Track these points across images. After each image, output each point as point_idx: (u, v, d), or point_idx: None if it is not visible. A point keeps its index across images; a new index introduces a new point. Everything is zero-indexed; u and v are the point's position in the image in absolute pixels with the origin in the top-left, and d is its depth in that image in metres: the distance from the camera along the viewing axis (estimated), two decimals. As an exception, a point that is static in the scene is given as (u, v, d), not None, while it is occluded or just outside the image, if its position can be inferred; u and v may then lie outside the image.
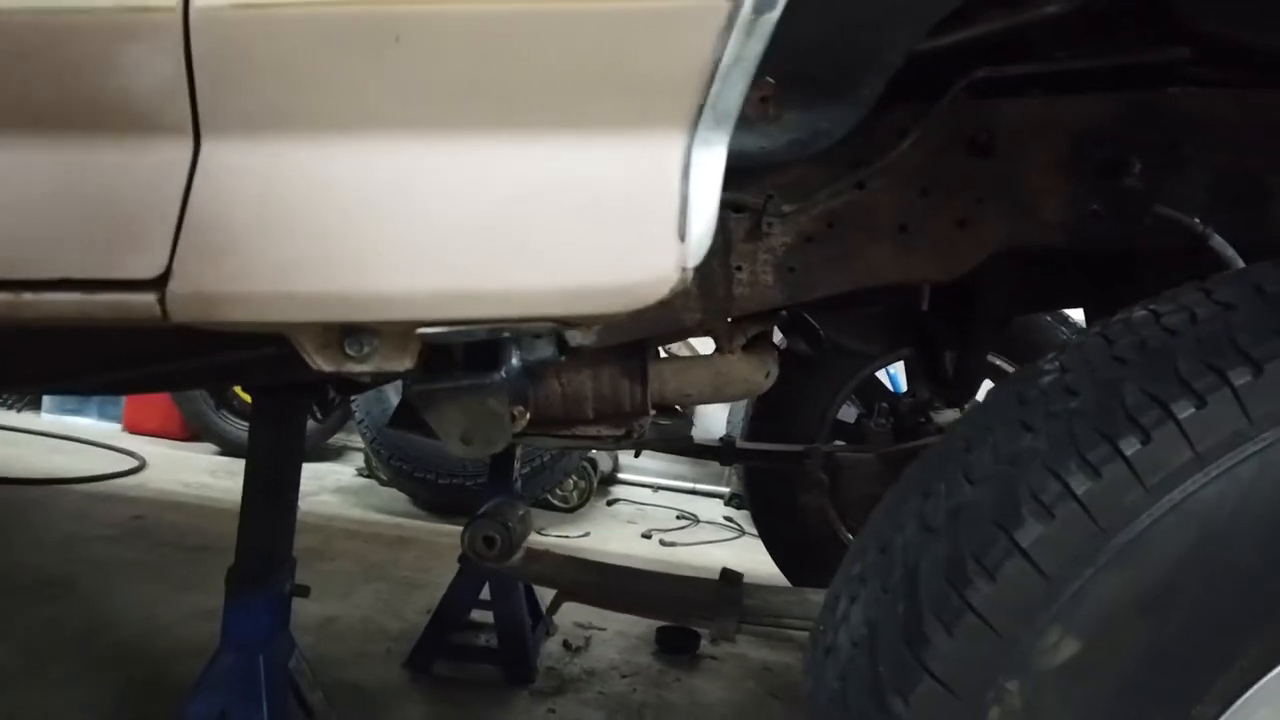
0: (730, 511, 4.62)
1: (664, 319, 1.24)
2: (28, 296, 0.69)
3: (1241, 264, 1.00)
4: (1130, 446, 0.64)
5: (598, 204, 0.68)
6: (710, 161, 0.68)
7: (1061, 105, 1.16)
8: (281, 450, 1.56)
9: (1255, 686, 0.64)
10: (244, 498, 1.56)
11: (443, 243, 0.68)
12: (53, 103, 0.68)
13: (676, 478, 5.03)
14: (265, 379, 1.39)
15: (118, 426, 5.05)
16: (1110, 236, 1.17)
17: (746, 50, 0.65)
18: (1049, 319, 2.24)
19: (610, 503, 4.74)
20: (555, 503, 4.22)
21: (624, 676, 2.43)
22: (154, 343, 1.03)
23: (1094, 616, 0.63)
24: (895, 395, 2.83)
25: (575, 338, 1.18)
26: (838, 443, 2.62)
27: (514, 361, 1.24)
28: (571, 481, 4.21)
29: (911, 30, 0.95)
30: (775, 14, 0.64)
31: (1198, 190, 1.15)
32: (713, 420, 4.72)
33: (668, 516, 4.54)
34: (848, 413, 3.00)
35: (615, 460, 4.92)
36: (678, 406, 1.54)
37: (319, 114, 0.68)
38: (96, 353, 0.96)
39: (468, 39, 0.65)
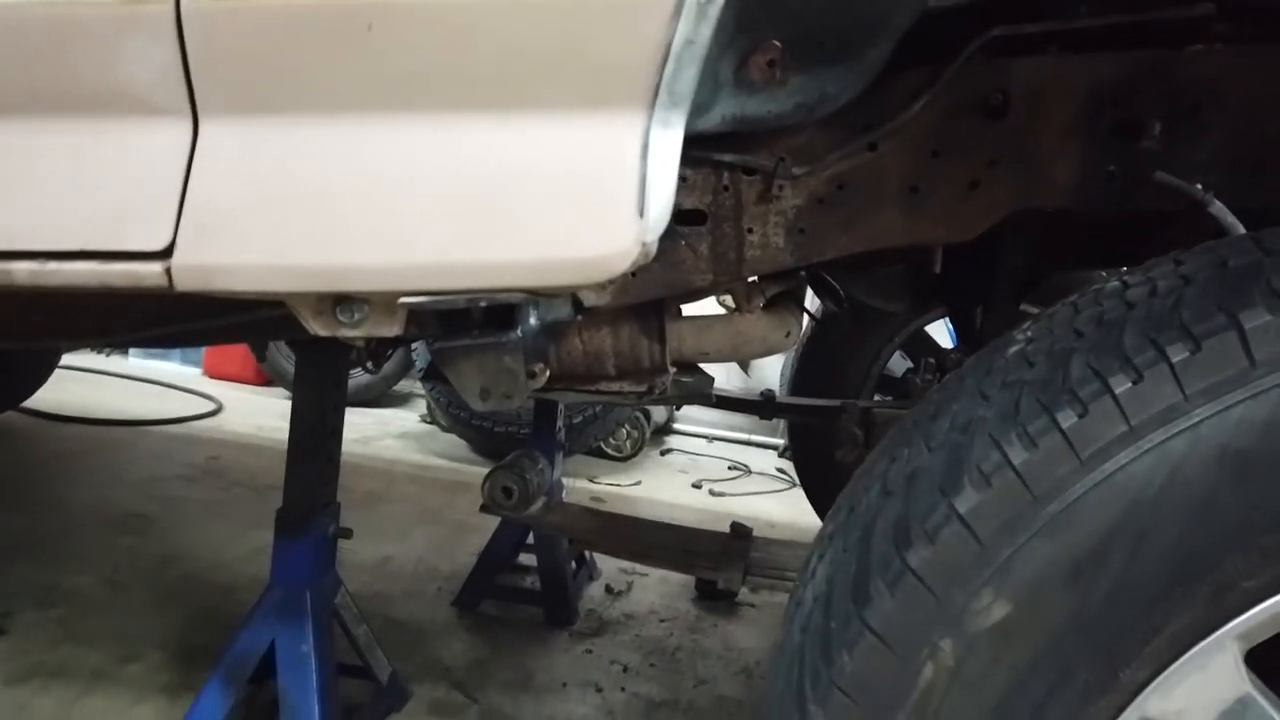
0: (783, 463, 4.65)
1: (676, 280, 1.27)
2: (51, 265, 0.76)
3: (1241, 230, 0.98)
4: (1067, 419, 0.66)
5: (562, 182, 0.71)
6: (668, 141, 0.71)
7: (1078, 64, 1.13)
8: (324, 400, 1.65)
9: (1186, 655, 0.66)
10: (289, 445, 1.66)
11: (421, 219, 0.73)
12: (65, 88, 0.74)
13: (731, 428, 5.07)
14: (283, 337, 1.46)
15: (198, 371, 5.30)
16: (1125, 199, 1.15)
17: (697, 33, 0.67)
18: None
19: (664, 452, 4.82)
20: (609, 451, 4.31)
21: (662, 621, 2.51)
22: (182, 305, 1.11)
23: (1025, 581, 0.66)
24: (942, 350, 2.81)
25: (589, 298, 1.22)
26: (877, 398, 2.62)
27: (531, 321, 1.29)
28: (624, 431, 4.29)
29: (920, -11, 0.94)
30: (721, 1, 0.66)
31: (1217, 153, 1.13)
32: (770, 372, 4.74)
33: (720, 467, 4.60)
34: (901, 366, 2.99)
35: (670, 411, 4.98)
36: (698, 363, 1.58)
37: (304, 98, 0.72)
38: (128, 314, 1.04)
39: (436, 26, 0.69)
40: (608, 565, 2.78)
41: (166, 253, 0.75)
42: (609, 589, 2.69)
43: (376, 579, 2.59)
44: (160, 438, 3.89)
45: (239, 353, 5.00)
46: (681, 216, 1.20)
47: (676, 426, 5.13)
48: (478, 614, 2.41)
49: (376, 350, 4.12)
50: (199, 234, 0.75)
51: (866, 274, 1.64)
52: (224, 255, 0.75)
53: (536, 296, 0.78)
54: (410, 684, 1.95)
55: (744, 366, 4.83)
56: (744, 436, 5.08)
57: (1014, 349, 0.79)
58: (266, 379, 5.02)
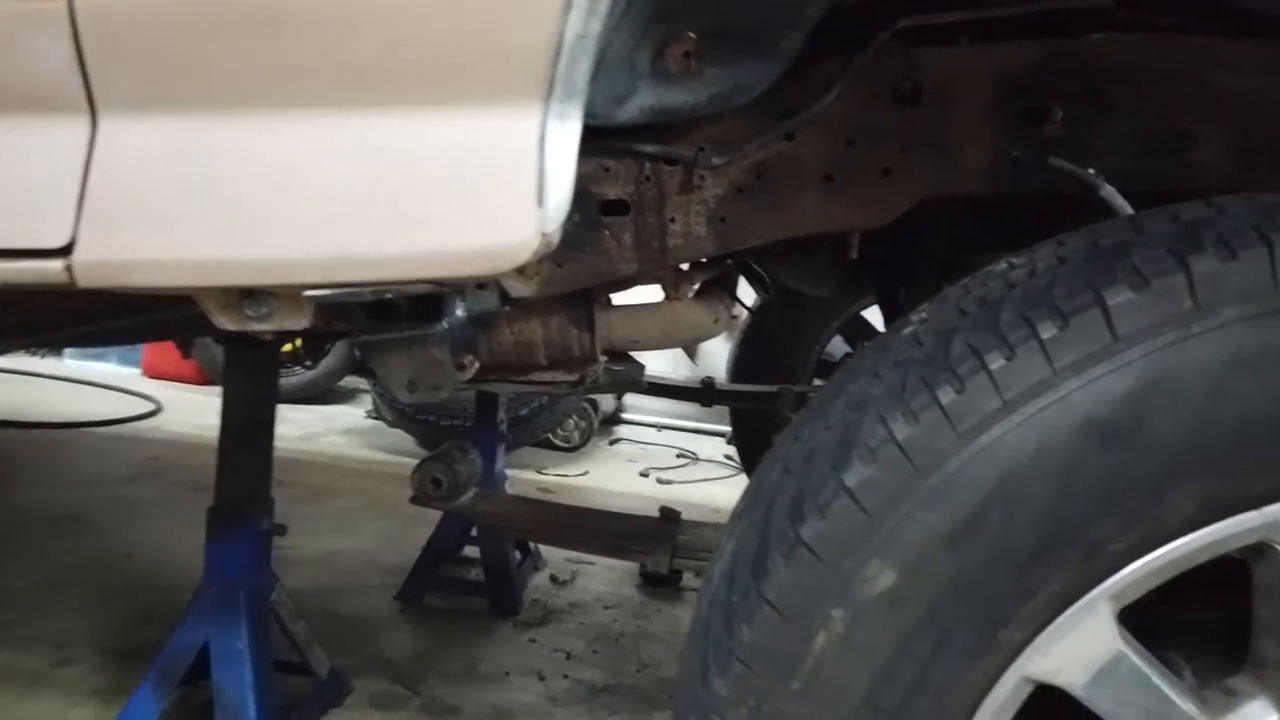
0: (731, 450, 4.69)
1: (602, 269, 1.28)
2: (-51, 265, 0.76)
3: (1130, 212, 1.02)
4: (946, 395, 0.69)
5: (461, 174, 0.73)
6: (565, 132, 0.73)
7: (985, 53, 1.17)
8: (254, 393, 1.65)
9: (1061, 616, 0.70)
10: (220, 441, 1.66)
11: (323, 212, 0.74)
12: (-41, 86, 0.74)
13: (680, 417, 5.11)
14: (207, 334, 1.46)
15: (137, 371, 5.21)
16: (1033, 183, 1.20)
17: (588, 27, 0.69)
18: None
19: (613, 442, 4.84)
20: (557, 442, 4.33)
21: (607, 608, 2.53)
22: (98, 304, 1.10)
23: (909, 550, 0.69)
24: (878, 333, 2.86)
25: (515, 289, 1.24)
26: (817, 382, 2.67)
27: (459, 312, 1.30)
28: (572, 422, 4.31)
29: (831, -18, 0.96)
30: (610, -8, 0.68)
31: (1120, 137, 1.17)
32: (718, 360, 4.78)
33: (668, 455, 4.64)
34: (841, 350, 3.04)
35: (619, 400, 5.00)
36: (629, 351, 1.60)
37: (201, 92, 0.73)
38: (42, 314, 1.04)
39: (330, 22, 0.70)
40: (553, 555, 2.80)
41: (68, 249, 0.75)
42: (554, 578, 2.70)
43: (321, 574, 2.58)
44: (100, 439, 3.82)
45: (178, 352, 4.92)
46: (605, 207, 1.22)
47: (625, 416, 5.16)
48: (422, 606, 2.42)
49: (313, 345, 4.09)
50: (100, 230, 0.75)
51: (790, 260, 1.67)
52: (126, 251, 0.75)
53: (442, 288, 0.80)
54: (352, 678, 1.95)
55: (691, 355, 4.87)
56: (693, 425, 5.13)
57: (908, 330, 0.83)
58: (206, 378, 4.95)
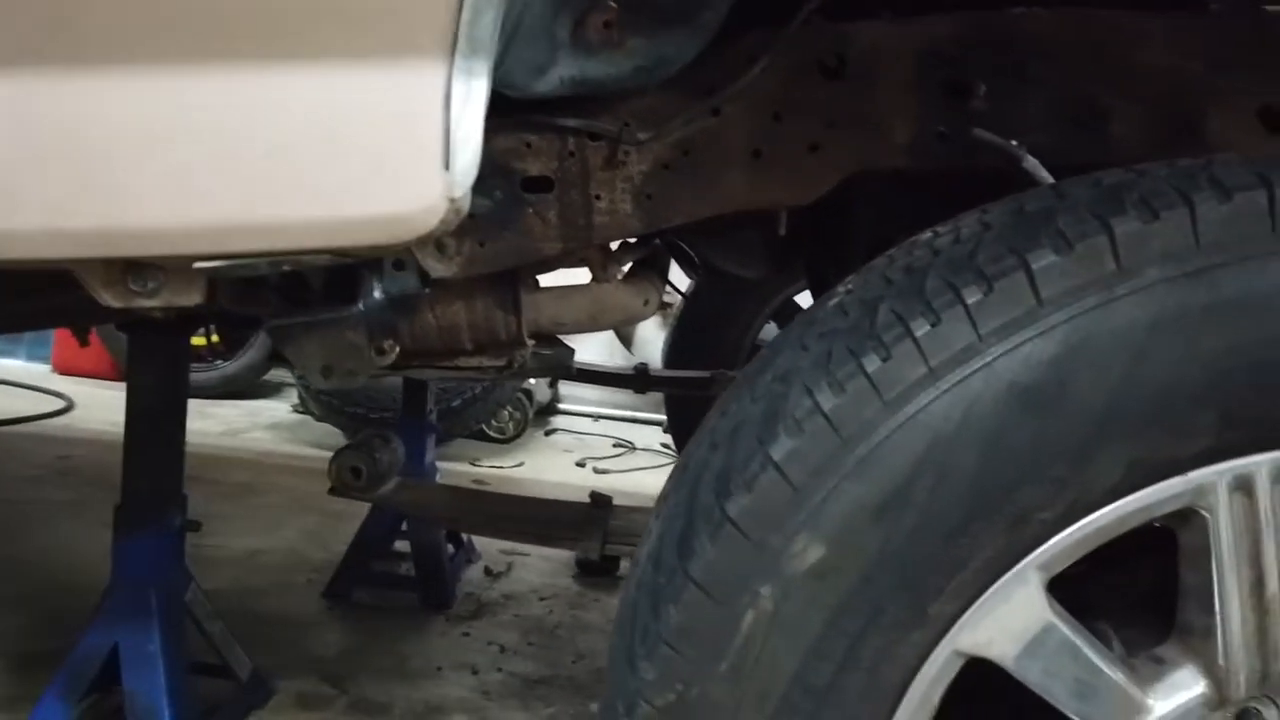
0: (668, 438, 4.69)
1: (526, 248, 1.24)
2: None
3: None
4: (872, 364, 0.67)
5: (359, 135, 0.68)
6: (471, 90, 0.69)
7: (908, 27, 1.16)
8: (161, 384, 1.56)
9: (991, 588, 0.68)
10: (126, 435, 1.57)
11: (210, 177, 0.69)
12: None
13: (616, 406, 5.08)
14: (97, 320, 1.38)
15: (47, 368, 4.98)
16: (956, 158, 1.19)
17: (490, -21, 0.65)
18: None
19: (549, 433, 4.79)
20: (491, 434, 4.26)
21: (542, 599, 2.49)
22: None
23: (837, 523, 0.67)
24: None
25: (435, 269, 1.19)
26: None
27: (376, 295, 1.25)
28: (506, 412, 4.25)
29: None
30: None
31: (1041, 111, 1.17)
32: (655, 348, 4.76)
33: (605, 445, 4.61)
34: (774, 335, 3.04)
35: (555, 391, 4.95)
36: (556, 334, 1.56)
37: (69, 48, 0.67)
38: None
39: (212, -33, 0.64)
40: (487, 548, 2.75)
41: (-73, 220, 0.69)
42: (488, 570, 2.66)
43: (244, 573, 2.49)
44: (7, 438, 3.64)
45: (92, 347, 4.71)
46: (528, 184, 1.19)
47: (561, 406, 5.11)
48: (351, 603, 2.35)
49: (231, 336, 3.95)
50: (-37, 198, 0.69)
51: (719, 239, 1.65)
52: (-6, 220, 0.69)
53: (346, 259, 0.75)
54: (278, 678, 1.88)
55: (627, 344, 4.84)
56: (629, 414, 5.10)
57: (833, 301, 0.81)
58: (121, 373, 4.75)
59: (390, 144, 0.68)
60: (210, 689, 1.71)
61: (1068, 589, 0.71)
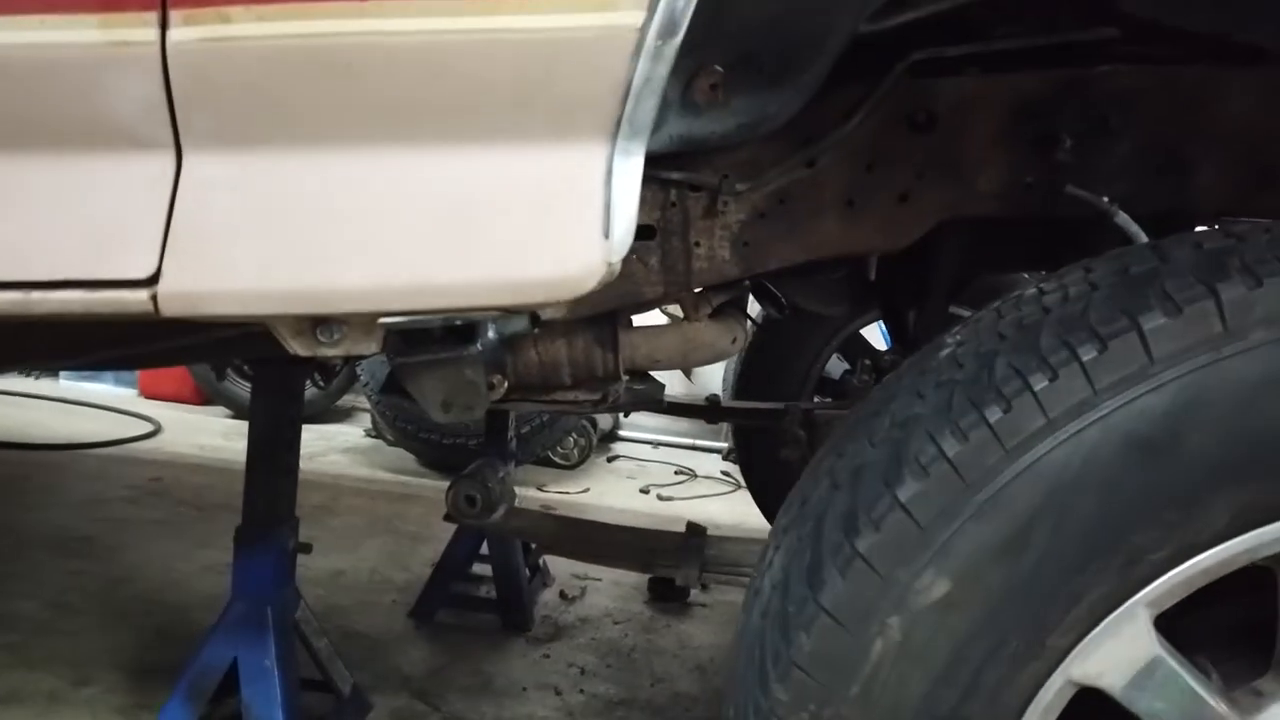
0: (728, 466, 4.74)
1: (629, 292, 1.32)
2: (36, 295, 0.79)
3: (1144, 238, 1.08)
4: (994, 414, 0.74)
5: (532, 207, 0.77)
6: (629, 169, 0.77)
7: (997, 83, 1.23)
8: (280, 416, 1.67)
9: (1103, 622, 0.74)
10: (248, 462, 1.68)
11: (398, 244, 0.78)
12: (53, 124, 0.77)
13: (676, 434, 5.15)
14: (256, 355, 1.49)
15: (134, 392, 5.20)
16: (1042, 206, 1.25)
17: (654, 71, 0.73)
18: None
19: (611, 459, 4.87)
20: (556, 460, 4.35)
21: (616, 623, 2.56)
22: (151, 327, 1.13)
23: (961, 561, 0.74)
24: (877, 351, 2.92)
25: (546, 312, 1.27)
26: (816, 400, 2.72)
27: (490, 334, 1.34)
28: (571, 439, 4.34)
29: (854, 15, 1.00)
30: (678, 39, 0.73)
31: (1124, 162, 1.23)
32: (712, 378, 4.83)
33: (666, 472, 4.67)
34: (839, 368, 3.09)
35: (616, 418, 5.03)
36: (649, 371, 1.64)
37: (284, 131, 0.77)
38: (96, 337, 1.07)
39: (410, 65, 0.74)
40: (560, 572, 2.83)
41: (152, 280, 0.79)
42: (563, 594, 2.73)
43: (330, 592, 2.60)
44: (99, 460, 3.82)
45: (175, 372, 4.92)
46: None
47: (623, 433, 5.19)
48: (434, 623, 2.44)
49: (327, 366, 4.10)
50: (184, 262, 0.79)
51: (806, 281, 1.72)
52: (208, 282, 0.79)
53: (509, 314, 0.84)
54: (371, 695, 1.97)
55: (687, 373, 4.91)
56: (689, 441, 5.16)
57: (945, 352, 0.87)
58: (205, 397, 4.94)
59: (559, 216, 0.76)
60: (313, 702, 1.81)
61: (1171, 624, 0.77)
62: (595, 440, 4.51)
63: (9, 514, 3.03)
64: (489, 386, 1.37)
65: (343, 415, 5.13)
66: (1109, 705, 0.75)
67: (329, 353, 0.85)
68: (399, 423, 3.87)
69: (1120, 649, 0.74)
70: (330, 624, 2.28)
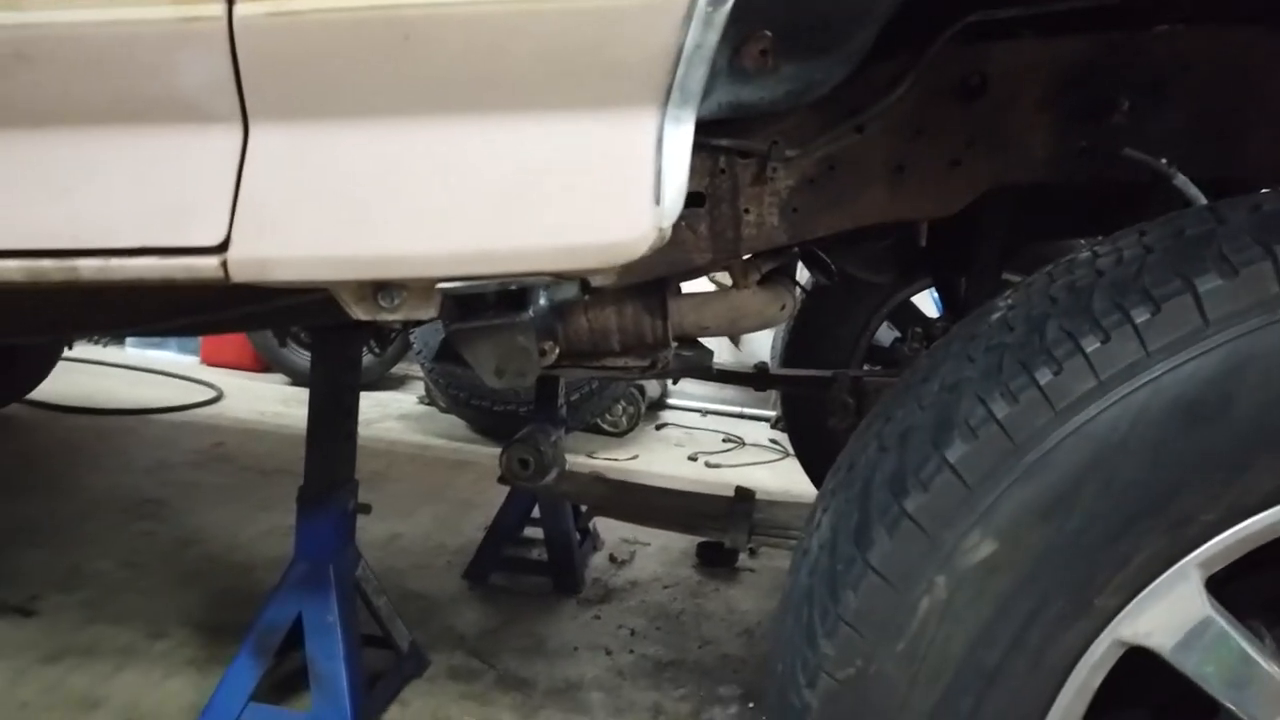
0: (775, 434, 4.75)
1: (678, 259, 1.33)
2: (115, 262, 0.83)
3: (1203, 200, 1.06)
4: (1044, 376, 0.74)
5: (586, 174, 0.78)
6: (680, 135, 0.78)
7: (1050, 46, 1.20)
8: (339, 383, 1.72)
9: (1153, 583, 0.75)
10: (309, 424, 1.74)
11: (456, 211, 0.80)
12: (128, 99, 0.81)
13: (724, 402, 5.16)
14: (317, 321, 1.54)
15: (195, 359, 5.35)
16: (1097, 172, 1.23)
17: (705, 38, 0.74)
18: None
19: (659, 427, 4.90)
20: (605, 427, 4.40)
21: (665, 587, 2.60)
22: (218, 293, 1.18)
23: (1007, 521, 0.74)
24: (928, 319, 2.89)
25: (596, 279, 1.29)
26: (866, 368, 2.71)
27: (541, 301, 1.36)
28: (620, 407, 4.37)
29: (903, -20, 1.00)
30: (728, 5, 0.73)
31: (1181, 126, 1.21)
32: (760, 345, 4.82)
33: (714, 439, 4.69)
34: (888, 337, 3.08)
35: (664, 386, 5.06)
36: (698, 338, 1.65)
37: (347, 102, 0.79)
38: (171, 304, 1.11)
39: (467, 35, 0.76)
40: (610, 536, 2.88)
41: (223, 247, 0.82)
42: (613, 558, 2.78)
43: (387, 555, 2.67)
44: (165, 425, 3.95)
45: (235, 340, 5.05)
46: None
47: (671, 401, 5.22)
48: (487, 585, 2.50)
49: (383, 333, 4.18)
50: (252, 229, 0.82)
51: (856, 248, 1.71)
52: (276, 249, 0.82)
53: (561, 279, 0.86)
54: (428, 652, 2.04)
55: (735, 341, 4.92)
56: (737, 409, 5.18)
57: (995, 315, 0.87)
58: (264, 365, 5.08)
59: (611, 183, 0.78)
60: (373, 658, 1.87)
61: (1223, 589, 0.77)
62: (644, 408, 4.54)
63: (81, 476, 3.16)
64: (540, 353, 1.39)
65: (397, 383, 5.23)
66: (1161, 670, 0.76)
67: (389, 317, 0.88)
68: (451, 389, 3.94)
69: (1171, 609, 0.74)
70: (388, 585, 2.34)
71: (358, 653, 1.70)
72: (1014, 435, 0.74)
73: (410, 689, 1.90)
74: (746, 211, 1.29)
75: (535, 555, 2.59)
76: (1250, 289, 0.71)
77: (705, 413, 5.19)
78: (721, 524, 1.47)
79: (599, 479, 1.65)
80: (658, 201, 0.78)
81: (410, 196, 0.80)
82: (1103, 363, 0.73)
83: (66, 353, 3.90)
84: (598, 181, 0.78)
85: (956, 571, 0.76)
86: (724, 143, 1.22)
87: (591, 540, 2.78)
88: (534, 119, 0.78)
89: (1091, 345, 0.73)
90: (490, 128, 0.79)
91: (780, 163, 1.24)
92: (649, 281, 1.39)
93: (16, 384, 3.64)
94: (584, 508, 2.39)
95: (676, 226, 1.29)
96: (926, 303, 3.11)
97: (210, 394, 4.52)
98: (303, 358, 4.79)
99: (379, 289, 0.86)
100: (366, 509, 1.81)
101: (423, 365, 4.09)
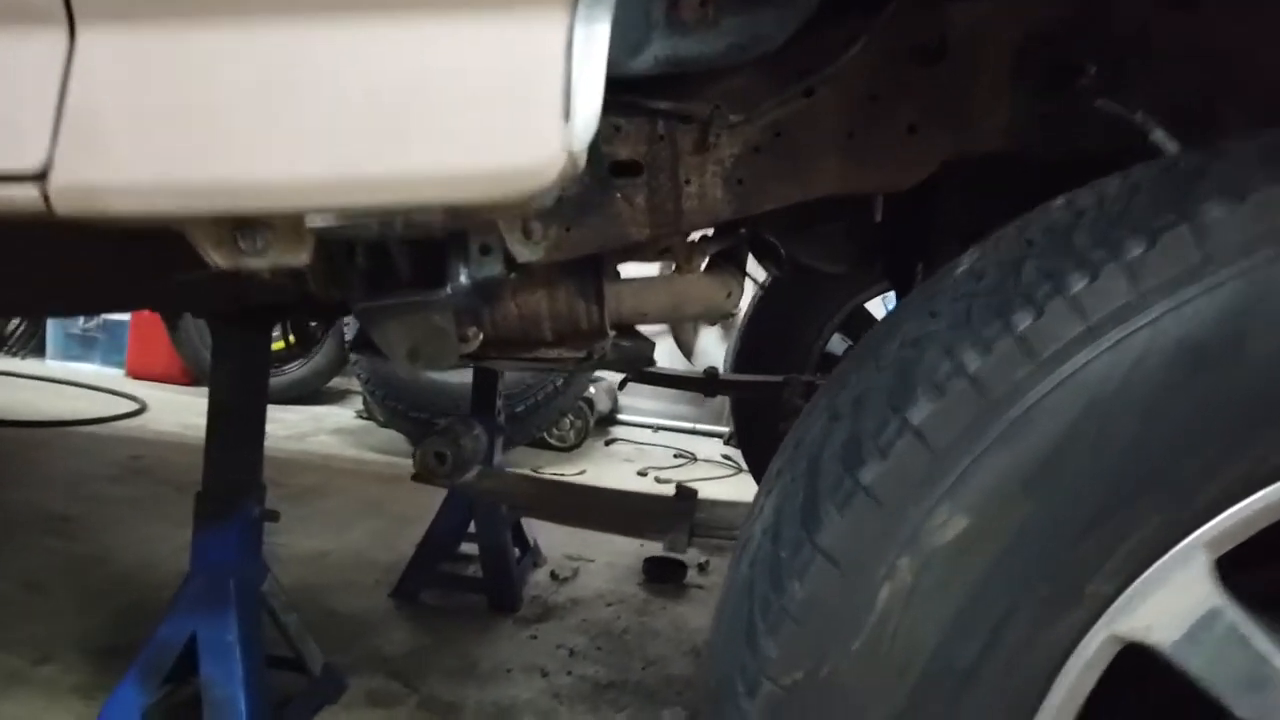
0: (729, 450, 4.64)
1: (612, 233, 1.22)
2: (-90, 191, 0.68)
3: (1184, 154, 0.96)
4: (1023, 321, 0.63)
5: (479, 85, 0.66)
6: (593, 39, 0.66)
7: (1013, 8, 1.12)
8: (243, 379, 1.57)
9: (1153, 566, 0.63)
10: (208, 427, 1.58)
11: (323, 129, 0.67)
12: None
13: (676, 418, 5.05)
14: (212, 303, 1.39)
15: (120, 372, 5.11)
16: (1060, 140, 1.14)
17: (622, -87, 0.62)
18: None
19: (609, 442, 4.77)
20: (552, 442, 4.25)
21: (609, 604, 2.46)
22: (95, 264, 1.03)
23: (982, 492, 0.62)
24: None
25: (521, 253, 1.16)
26: (820, 376, 2.61)
27: (462, 280, 1.23)
28: (568, 421, 4.23)
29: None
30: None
31: (1145, 94, 1.12)
32: (711, 359, 4.72)
33: (666, 455, 4.57)
34: (840, 346, 2.99)
35: (615, 400, 4.93)
36: (637, 326, 1.53)
37: (190, 1, 0.66)
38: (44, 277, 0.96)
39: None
40: (553, 552, 2.73)
41: (42, 174, 0.68)
42: (554, 575, 2.62)
43: (313, 572, 2.50)
44: (83, 438, 3.73)
45: (163, 352, 4.83)
46: (616, 168, 1.16)
47: (621, 417, 5.09)
48: (418, 604, 2.34)
49: (306, 334, 4.00)
50: (78, 151, 0.68)
51: (807, 233, 1.61)
52: (107, 173, 0.68)
53: (459, 214, 0.73)
54: (348, 675, 1.87)
55: (688, 354, 4.81)
56: (689, 425, 5.06)
57: (960, 269, 0.76)
58: (192, 378, 4.86)
59: (509, 94, 0.65)
60: (282, 681, 1.71)
61: (1234, 579, 0.65)
62: (592, 422, 4.40)
63: (-14, 492, 2.94)
64: (462, 338, 1.27)
65: (336, 397, 5.03)
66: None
67: (253, 264, 0.74)
68: (388, 401, 3.77)
69: (1173, 598, 0.63)
70: (311, 604, 2.18)
71: (260, 676, 1.54)
72: (988, 391, 0.62)
73: (322, 715, 1.73)
74: (687, 182, 1.18)
75: (470, 572, 2.43)
76: (1261, 217, 0.60)
77: (656, 428, 5.06)
78: (662, 525, 1.34)
79: (525, 477, 1.52)
80: (567, 118, 0.65)
81: (269, 111, 0.67)
82: (1091, 304, 0.61)
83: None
84: (495, 93, 0.65)
85: (922, 553, 0.63)
86: (662, 105, 1.12)
87: (532, 556, 2.63)
88: (415, 19, 0.65)
89: (1077, 285, 0.62)
90: (363, 27, 0.65)
91: (724, 129, 1.14)
92: (583, 262, 1.27)
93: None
94: (510, 511, 2.23)
95: (611, 198, 1.18)
96: (881, 311, 3.03)
97: (132, 406, 4.29)
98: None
99: (238, 227, 0.73)
100: (274, 515, 1.65)
101: (360, 377, 3.92)
